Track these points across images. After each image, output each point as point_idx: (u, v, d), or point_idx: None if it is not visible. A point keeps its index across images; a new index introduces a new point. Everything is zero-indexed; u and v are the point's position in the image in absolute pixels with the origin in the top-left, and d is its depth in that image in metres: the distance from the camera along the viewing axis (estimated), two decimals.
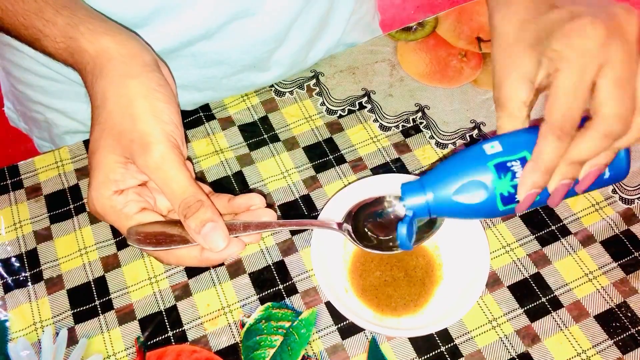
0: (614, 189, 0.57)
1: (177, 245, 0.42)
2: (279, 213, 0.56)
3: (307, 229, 0.55)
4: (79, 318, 0.51)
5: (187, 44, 0.57)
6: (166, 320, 0.51)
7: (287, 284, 0.52)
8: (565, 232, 0.54)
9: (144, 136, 0.41)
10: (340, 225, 0.47)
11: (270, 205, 0.57)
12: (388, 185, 0.53)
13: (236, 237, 0.43)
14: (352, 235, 0.47)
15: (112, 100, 0.42)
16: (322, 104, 0.63)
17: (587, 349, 0.48)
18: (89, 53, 0.43)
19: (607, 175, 0.41)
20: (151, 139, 0.40)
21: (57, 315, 0.51)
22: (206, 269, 0.53)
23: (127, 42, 0.44)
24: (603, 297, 0.51)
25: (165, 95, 0.42)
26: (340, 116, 0.63)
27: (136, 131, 0.41)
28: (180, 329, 0.50)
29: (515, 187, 0.39)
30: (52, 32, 0.44)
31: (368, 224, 0.48)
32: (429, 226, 0.46)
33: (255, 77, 0.64)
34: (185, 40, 0.56)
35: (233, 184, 0.58)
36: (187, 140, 0.61)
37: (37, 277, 0.53)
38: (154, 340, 0.50)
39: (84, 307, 0.52)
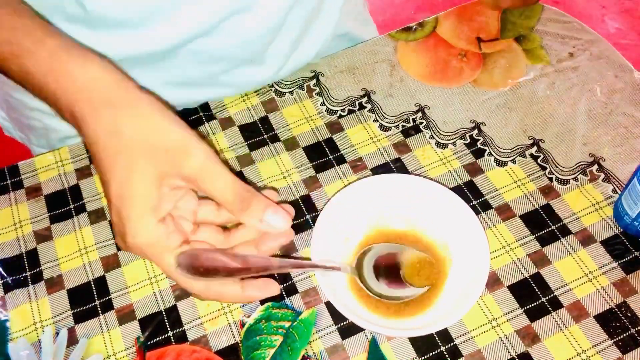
0: (614, 188, 0.57)
1: (223, 276, 0.42)
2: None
3: (307, 232, 0.55)
4: (79, 318, 0.51)
5: (187, 41, 0.57)
6: (166, 320, 0.51)
7: (287, 284, 0.52)
8: (565, 232, 0.54)
9: (181, 143, 0.40)
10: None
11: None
12: (388, 185, 0.53)
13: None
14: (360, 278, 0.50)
15: (129, 123, 0.40)
16: (322, 104, 0.63)
17: (587, 349, 0.48)
18: (79, 80, 0.41)
19: None
20: (189, 143, 0.40)
21: (57, 315, 0.51)
22: None
23: (114, 69, 0.43)
24: (603, 297, 0.51)
25: (170, 109, 0.42)
26: (340, 116, 0.63)
27: (170, 141, 0.40)
28: (180, 329, 0.50)
29: None
30: (39, 52, 0.42)
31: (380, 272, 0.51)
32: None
33: (252, 71, 0.63)
34: (185, 38, 0.56)
35: None
36: None
37: (37, 277, 0.53)
38: (154, 340, 0.50)
39: (84, 307, 0.52)
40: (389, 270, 0.51)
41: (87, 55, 0.43)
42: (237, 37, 0.59)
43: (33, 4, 0.49)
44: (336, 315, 0.50)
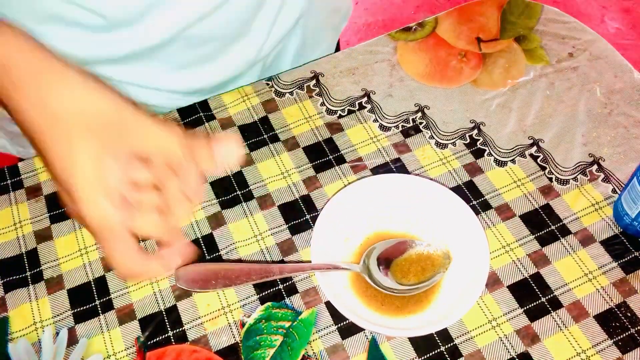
0: (614, 188, 0.57)
1: (223, 285, 0.47)
2: (279, 213, 0.56)
3: (307, 232, 0.55)
4: (79, 318, 0.51)
5: (184, 29, 0.57)
6: (166, 320, 0.51)
7: (287, 284, 0.52)
8: (565, 232, 0.54)
9: (113, 114, 0.38)
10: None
11: (270, 205, 0.57)
12: (388, 186, 0.53)
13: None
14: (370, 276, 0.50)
15: (55, 94, 0.38)
16: (322, 104, 0.64)
17: (587, 349, 0.49)
18: None
19: None
20: (122, 111, 0.39)
21: (57, 315, 0.51)
22: None
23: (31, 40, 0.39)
24: (603, 297, 0.51)
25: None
26: (340, 116, 0.63)
27: (101, 112, 0.38)
28: (180, 329, 0.50)
29: None
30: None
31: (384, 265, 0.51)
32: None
33: (240, 47, 0.63)
34: (182, 27, 0.56)
35: (233, 184, 0.58)
36: None
37: (37, 277, 0.53)
38: (154, 340, 0.50)
39: (84, 307, 0.52)
40: (391, 263, 0.51)
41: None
42: (225, 16, 0.59)
43: (23, 9, 0.49)
44: (336, 315, 0.50)
